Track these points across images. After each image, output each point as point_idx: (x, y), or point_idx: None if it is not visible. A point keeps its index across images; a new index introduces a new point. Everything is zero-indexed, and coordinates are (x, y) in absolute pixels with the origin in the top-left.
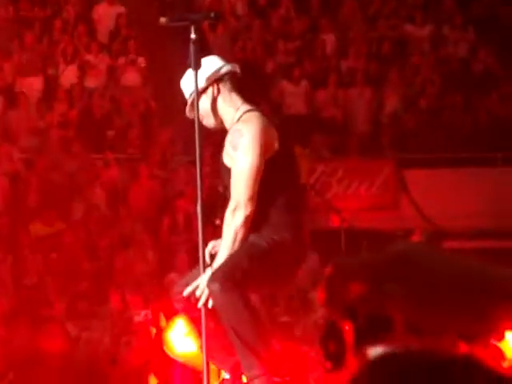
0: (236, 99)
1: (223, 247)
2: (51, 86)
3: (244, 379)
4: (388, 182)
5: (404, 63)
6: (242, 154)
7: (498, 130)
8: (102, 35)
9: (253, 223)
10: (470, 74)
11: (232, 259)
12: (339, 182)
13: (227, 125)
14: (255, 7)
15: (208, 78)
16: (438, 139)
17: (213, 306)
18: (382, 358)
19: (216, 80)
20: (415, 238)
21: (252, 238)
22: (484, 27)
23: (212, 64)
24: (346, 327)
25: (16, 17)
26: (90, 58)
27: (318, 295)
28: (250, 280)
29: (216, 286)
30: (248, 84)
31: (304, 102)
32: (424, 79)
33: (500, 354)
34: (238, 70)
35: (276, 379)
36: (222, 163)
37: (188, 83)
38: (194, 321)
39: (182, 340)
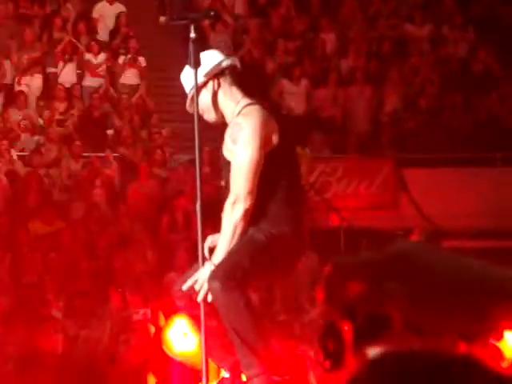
0: (236, 93)
1: (222, 240)
2: (51, 84)
3: (243, 378)
4: (388, 182)
5: (404, 63)
6: (241, 148)
7: (497, 129)
8: (102, 34)
9: (251, 216)
10: (469, 73)
11: (232, 257)
12: (339, 181)
13: (228, 119)
14: (255, 6)
15: (208, 73)
16: (438, 139)
17: (213, 304)
18: (381, 358)
19: (216, 74)
20: (414, 238)
21: (251, 231)
22: (484, 27)
23: (212, 58)
24: (345, 326)
25: (16, 14)
26: (89, 56)
27: (317, 294)
28: (250, 278)
29: (217, 285)
30: (248, 83)
31: (304, 102)
32: (424, 79)
33: (499, 354)
34: (238, 63)
35: (275, 378)
36: (223, 157)
37: (188, 78)
38: (195, 318)
39: (180, 339)
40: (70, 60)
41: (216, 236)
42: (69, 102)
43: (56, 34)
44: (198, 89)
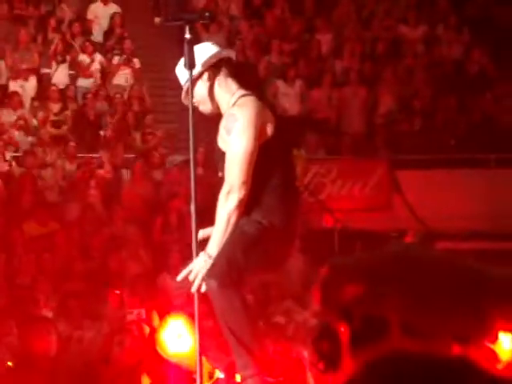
0: (231, 84)
1: (216, 230)
2: (45, 84)
3: (238, 379)
4: (382, 183)
5: (398, 64)
6: (235, 138)
7: (492, 131)
8: (97, 34)
9: (245, 207)
10: (464, 74)
11: (226, 254)
12: (333, 183)
13: (223, 110)
14: (250, 7)
15: (204, 64)
16: (432, 140)
17: (209, 304)
18: (377, 360)
19: (212, 65)
20: (408, 239)
21: (241, 223)
22: (478, 28)
23: (208, 50)
24: (342, 328)
25: (10, 15)
26: (84, 57)
27: (313, 296)
28: (245, 274)
29: (213, 283)
30: (242, 83)
31: (298, 103)
32: (418, 80)
33: (494, 356)
34: (233, 55)
35: (269, 379)
36: (218, 148)
37: (183, 71)
38: (192, 317)
39: (175, 340)
40: (64, 61)
41: (207, 229)
42: (63, 102)
43: (50, 35)
44: (194, 80)
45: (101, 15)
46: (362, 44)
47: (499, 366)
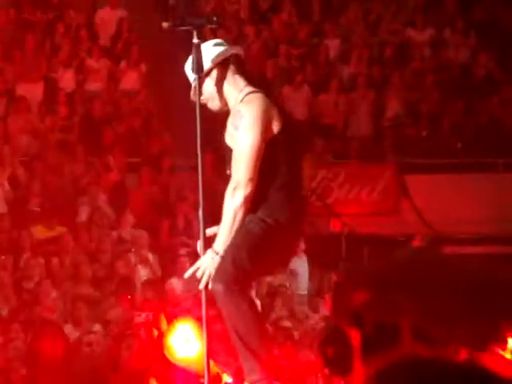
0: (239, 81)
1: (223, 227)
2: (52, 89)
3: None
4: (389, 187)
5: (405, 68)
6: (242, 134)
7: (499, 135)
8: (104, 39)
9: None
10: (471, 78)
11: (232, 256)
12: (340, 187)
13: (231, 106)
14: (257, 12)
15: (212, 60)
16: (439, 144)
17: (217, 308)
18: (389, 367)
19: (220, 62)
20: (416, 244)
21: (247, 220)
22: (485, 32)
23: (216, 47)
24: (353, 334)
25: (18, 20)
26: (91, 62)
27: (325, 302)
28: (251, 274)
29: (220, 287)
30: (250, 81)
31: (305, 107)
32: (425, 84)
33: (504, 361)
34: (241, 52)
35: None
36: (225, 144)
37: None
38: (201, 321)
39: (182, 345)
40: (72, 65)
41: (212, 229)
42: (70, 107)
43: (58, 40)
44: (202, 78)
45: (108, 20)
46: (369, 48)
47: (509, 372)
